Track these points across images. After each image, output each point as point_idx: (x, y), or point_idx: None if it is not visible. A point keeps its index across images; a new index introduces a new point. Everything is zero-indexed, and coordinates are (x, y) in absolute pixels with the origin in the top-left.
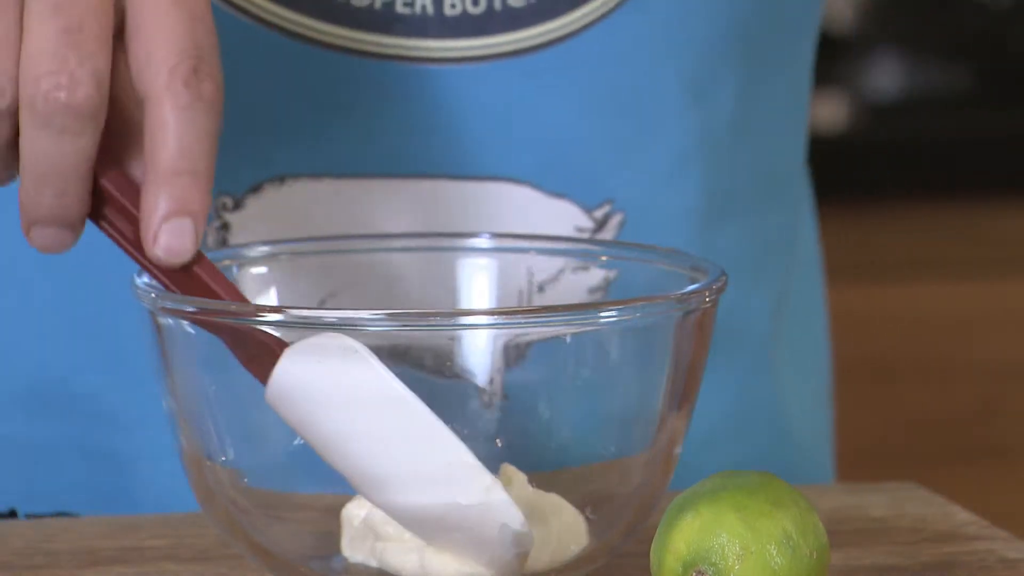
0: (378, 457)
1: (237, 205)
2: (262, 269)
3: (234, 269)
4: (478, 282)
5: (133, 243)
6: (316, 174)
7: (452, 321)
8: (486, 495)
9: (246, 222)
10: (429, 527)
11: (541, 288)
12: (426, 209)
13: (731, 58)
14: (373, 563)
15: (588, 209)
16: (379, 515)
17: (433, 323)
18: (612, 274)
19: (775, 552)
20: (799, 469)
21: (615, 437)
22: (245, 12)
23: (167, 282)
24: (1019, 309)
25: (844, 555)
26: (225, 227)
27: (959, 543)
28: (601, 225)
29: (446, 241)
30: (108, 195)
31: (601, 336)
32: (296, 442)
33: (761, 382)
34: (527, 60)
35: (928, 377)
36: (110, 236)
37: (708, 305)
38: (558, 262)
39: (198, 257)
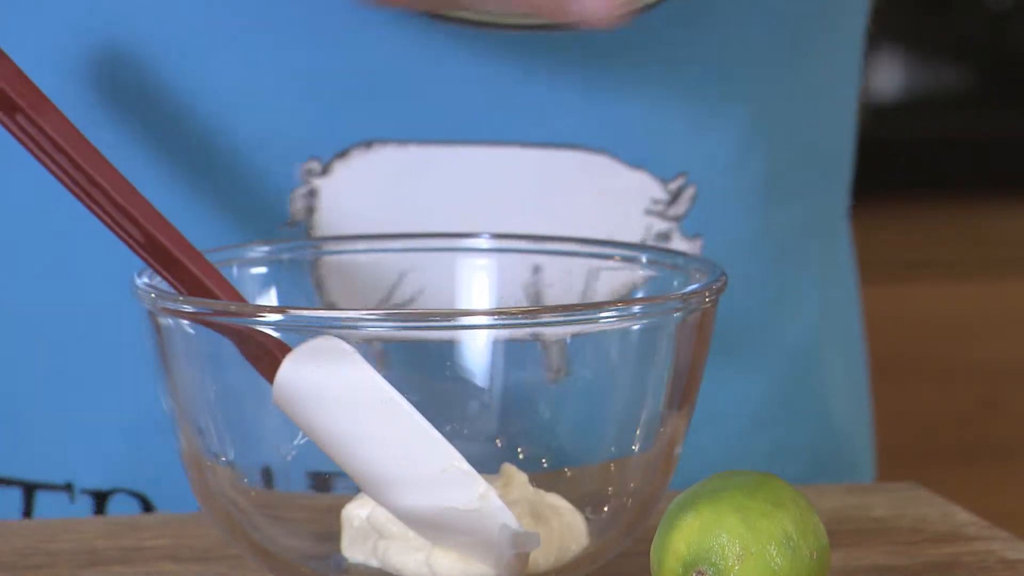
0: (377, 459)
1: (325, 170)
2: (262, 269)
3: (234, 269)
4: (478, 282)
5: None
6: (402, 140)
7: (452, 321)
8: (480, 502)
9: (334, 187)
10: (430, 528)
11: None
12: (506, 176)
13: (803, 35)
14: (373, 563)
15: (664, 181)
16: (383, 514)
17: (433, 323)
18: (695, 248)
19: (775, 552)
20: (840, 458)
21: (615, 437)
22: None
23: (171, 279)
24: (1019, 309)
25: (844, 555)
26: (313, 193)
27: (959, 543)
28: (675, 198)
29: (446, 241)
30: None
31: (601, 336)
32: (296, 442)
33: (809, 364)
34: (608, 33)
35: (928, 377)
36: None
37: (708, 305)
38: (565, 262)
39: (198, 257)
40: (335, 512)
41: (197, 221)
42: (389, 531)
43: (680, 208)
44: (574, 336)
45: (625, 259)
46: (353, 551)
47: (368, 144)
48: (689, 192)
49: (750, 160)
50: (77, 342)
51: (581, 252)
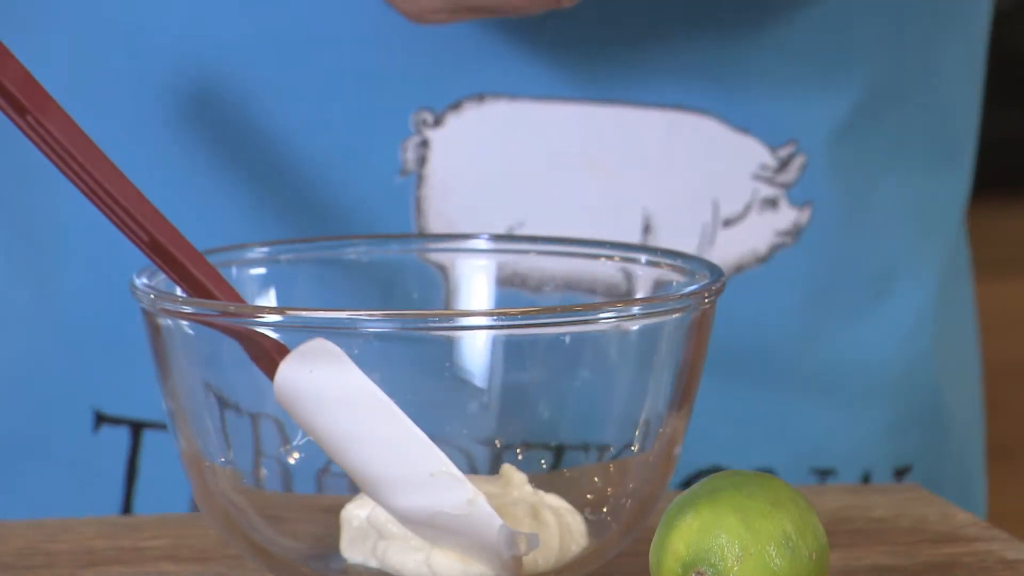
0: (370, 461)
1: (438, 122)
2: (261, 270)
3: (233, 270)
4: (478, 282)
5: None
6: (514, 95)
7: (452, 321)
8: (469, 507)
9: (445, 138)
10: (426, 528)
11: (727, 222)
12: (613, 135)
13: (917, 12)
14: (373, 563)
15: (772, 147)
16: (382, 514)
17: (432, 324)
18: (804, 217)
19: (774, 553)
20: (949, 445)
21: (614, 437)
22: None
23: (175, 277)
24: (1019, 309)
25: (844, 556)
26: (425, 144)
27: (959, 544)
28: (784, 165)
29: (446, 242)
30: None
31: (600, 336)
32: (295, 442)
33: (923, 338)
34: None
35: None
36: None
37: (707, 306)
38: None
39: (198, 258)
40: (334, 512)
41: (315, 171)
42: (388, 531)
43: (789, 175)
44: (574, 336)
45: (624, 259)
46: (352, 551)
47: (481, 97)
48: (799, 161)
49: (863, 130)
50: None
51: (578, 252)
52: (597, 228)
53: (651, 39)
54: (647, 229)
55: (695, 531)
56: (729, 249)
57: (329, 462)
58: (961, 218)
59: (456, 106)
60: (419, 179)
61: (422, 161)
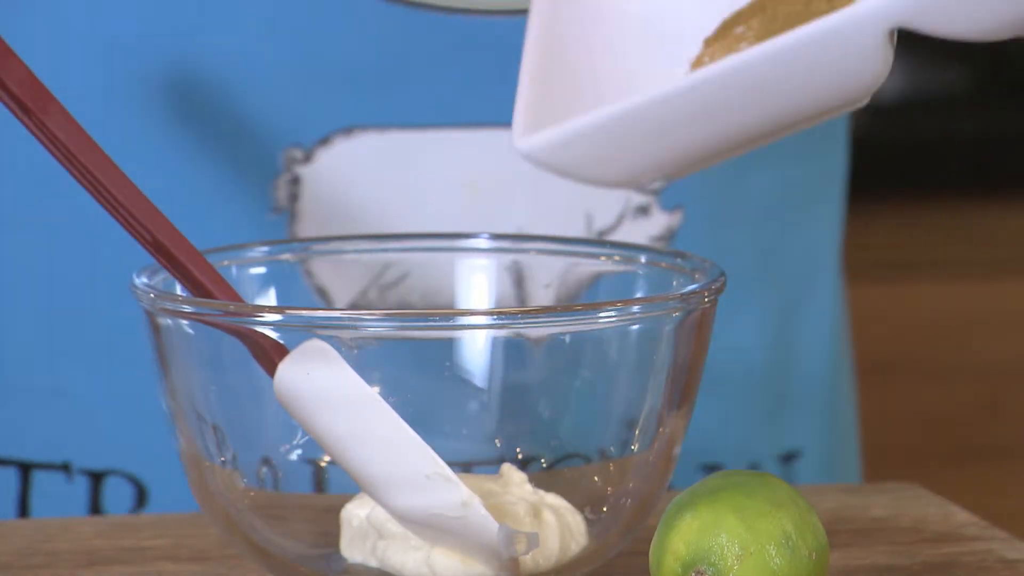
0: (368, 462)
1: (307, 158)
2: (261, 270)
3: (233, 270)
4: (478, 282)
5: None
6: (382, 126)
7: (452, 321)
8: (464, 510)
9: (316, 174)
10: (425, 528)
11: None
12: (486, 159)
13: None
14: (373, 563)
15: None
16: (382, 514)
17: (433, 324)
18: (676, 220)
19: (774, 552)
20: (838, 425)
21: (614, 437)
22: None
23: (179, 278)
24: (1019, 309)
25: (844, 555)
26: (296, 181)
27: (959, 543)
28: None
29: (446, 242)
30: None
31: (600, 336)
32: (295, 442)
33: (796, 323)
34: None
35: (929, 377)
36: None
37: (707, 305)
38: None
39: (198, 258)
40: (334, 512)
41: (185, 211)
42: (388, 531)
43: (657, 182)
44: (574, 336)
45: (624, 259)
46: (352, 551)
47: (349, 131)
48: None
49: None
50: (75, 320)
51: (578, 252)
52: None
53: (515, 62)
54: (522, 268)
55: (695, 531)
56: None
57: (329, 461)
58: (839, 203)
59: (325, 141)
60: (292, 216)
61: (294, 198)
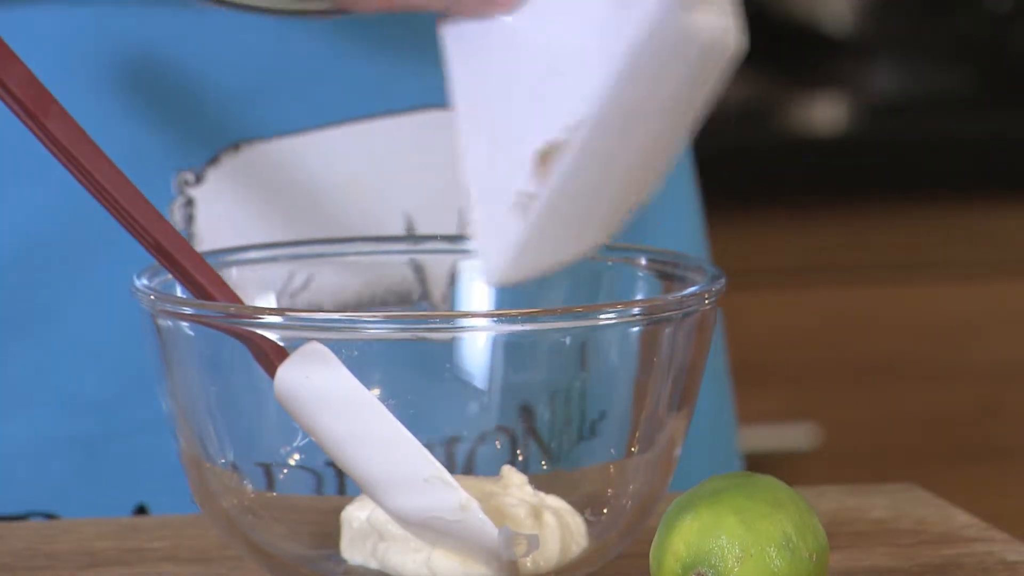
0: (367, 464)
1: (199, 179)
2: (262, 271)
3: (233, 271)
4: (478, 283)
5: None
6: (266, 136)
7: (452, 323)
8: (463, 513)
9: (210, 194)
10: (423, 530)
11: None
12: (375, 150)
13: None
14: (373, 564)
15: None
16: (383, 515)
17: (433, 325)
18: None
19: (774, 554)
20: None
21: (615, 438)
22: None
23: (179, 278)
24: (1019, 310)
25: (844, 557)
26: (190, 203)
27: (959, 545)
28: None
29: (447, 243)
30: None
31: (600, 337)
32: (295, 443)
33: None
34: None
35: (928, 378)
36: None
37: (707, 307)
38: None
39: (198, 260)
40: (334, 513)
41: (84, 239)
42: (389, 532)
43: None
44: (574, 337)
45: (625, 260)
46: (352, 552)
47: (236, 146)
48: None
49: None
50: None
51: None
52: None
53: (387, 51)
54: (409, 231)
55: (695, 532)
56: None
57: (329, 463)
58: (694, 199)
59: (214, 161)
60: (190, 238)
61: (190, 220)
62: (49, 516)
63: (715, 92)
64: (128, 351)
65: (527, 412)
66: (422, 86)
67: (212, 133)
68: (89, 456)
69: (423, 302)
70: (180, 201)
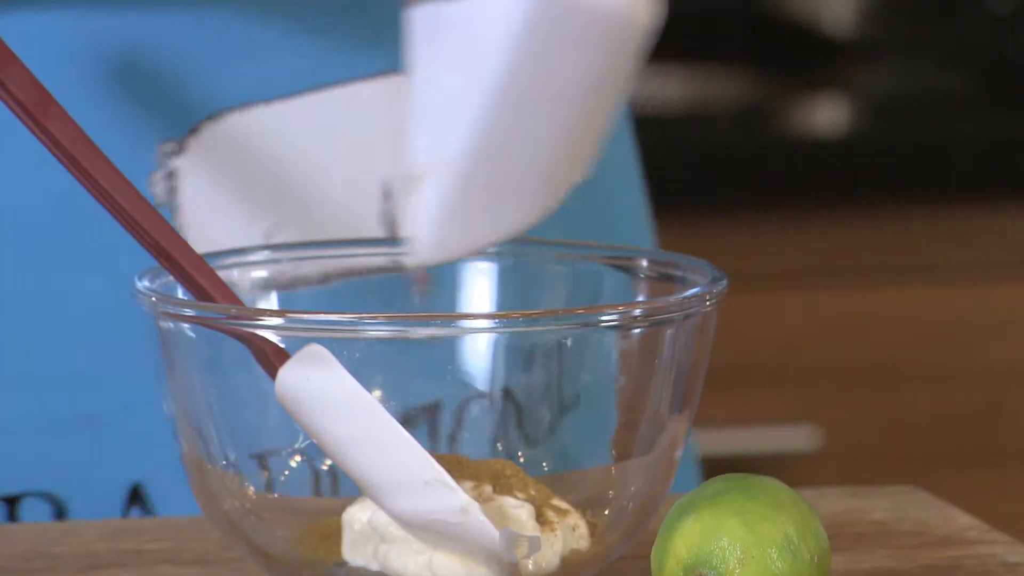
0: (368, 466)
1: (181, 149)
2: (263, 273)
3: (235, 273)
4: (479, 285)
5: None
6: (245, 104)
7: (453, 324)
8: (463, 515)
9: (193, 164)
10: (424, 532)
11: None
12: (345, 115)
13: None
14: (374, 566)
15: None
16: (384, 517)
17: (434, 326)
18: None
19: (776, 556)
20: None
21: (616, 440)
22: None
23: (180, 280)
24: (1020, 312)
25: (845, 559)
26: (173, 174)
27: (960, 547)
28: None
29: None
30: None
31: (602, 339)
32: (297, 444)
33: None
34: None
35: (929, 380)
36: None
37: (708, 308)
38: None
39: (198, 261)
40: (336, 515)
41: (64, 212)
42: (390, 534)
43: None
44: (575, 339)
45: (625, 261)
46: (354, 554)
47: (216, 116)
48: None
49: None
50: None
51: (581, 255)
52: (343, 207)
53: (354, 16)
54: (387, 196)
55: (696, 534)
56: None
57: (330, 465)
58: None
59: (195, 130)
60: (173, 210)
61: (173, 191)
62: (46, 495)
63: (636, 68)
64: (123, 329)
65: (529, 414)
66: (392, 50)
67: (192, 103)
68: (86, 434)
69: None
70: (162, 172)
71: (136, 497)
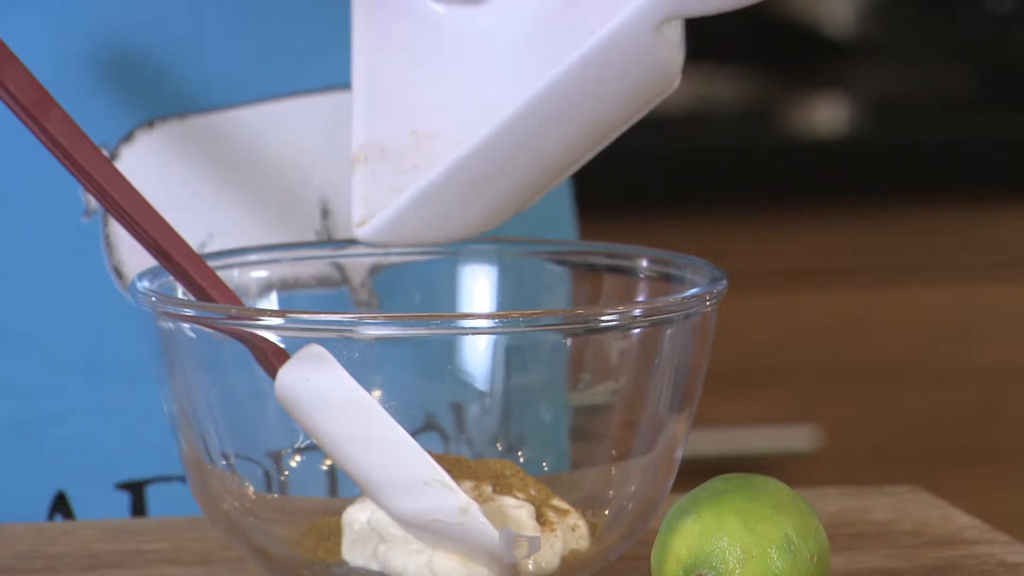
0: (367, 467)
1: (113, 156)
2: (263, 273)
3: (235, 273)
4: (479, 286)
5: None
6: (182, 113)
7: (453, 324)
8: (462, 516)
9: (123, 172)
10: (424, 532)
11: None
12: (289, 129)
13: None
14: (374, 566)
15: None
16: (384, 517)
17: (434, 326)
18: None
19: (776, 556)
20: None
21: (616, 440)
22: None
23: (181, 280)
24: (1020, 312)
25: (845, 559)
26: None
27: (960, 547)
28: None
29: (447, 245)
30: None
31: (602, 339)
32: (296, 445)
33: None
34: None
35: (929, 380)
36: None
37: (708, 309)
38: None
39: (198, 261)
40: (336, 515)
41: (7, 225)
42: (390, 534)
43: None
44: (575, 339)
45: (626, 261)
46: (354, 554)
47: (150, 124)
48: None
49: None
50: None
51: (581, 256)
52: (281, 223)
53: (299, 29)
54: (325, 214)
55: (696, 534)
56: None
57: (330, 464)
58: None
59: (128, 138)
60: (105, 217)
61: None
62: None
63: (633, 121)
64: (49, 339)
65: (529, 414)
66: (335, 66)
67: (126, 110)
68: (11, 443)
69: (343, 286)
70: None
71: (60, 506)
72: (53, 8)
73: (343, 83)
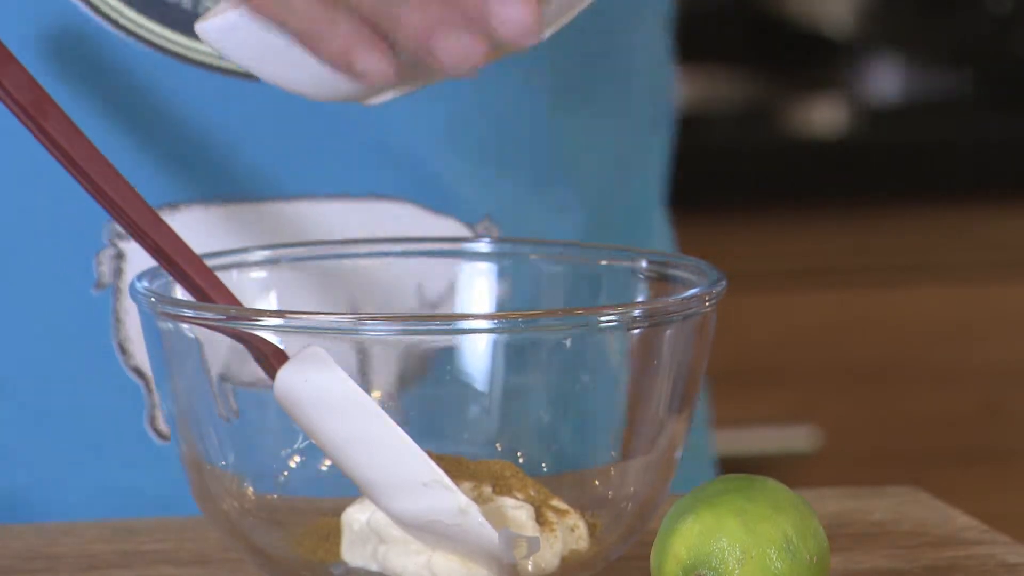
0: (367, 468)
1: None
2: (262, 274)
3: (234, 274)
4: (478, 286)
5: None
6: (207, 200)
7: (452, 325)
8: (462, 517)
9: (141, 250)
10: (423, 533)
11: None
12: (313, 230)
13: (584, 81)
14: (374, 567)
15: (471, 224)
16: (383, 518)
17: (433, 327)
18: None
19: (775, 556)
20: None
21: (615, 441)
22: (123, 29)
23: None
24: (1020, 312)
25: (844, 559)
26: (120, 255)
27: (959, 547)
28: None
29: (446, 245)
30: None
31: (601, 340)
32: (296, 445)
33: None
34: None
35: (929, 380)
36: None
37: (708, 309)
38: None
39: (198, 262)
40: (335, 516)
41: (4, 283)
42: (389, 535)
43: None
44: (574, 339)
45: (626, 262)
46: (353, 555)
47: (174, 206)
48: (494, 233)
49: (551, 194)
50: None
51: (582, 256)
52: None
53: (332, 133)
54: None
55: (696, 535)
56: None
57: (330, 465)
58: (666, 139)
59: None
60: (116, 292)
61: (118, 273)
62: None
63: None
64: (40, 402)
65: (528, 415)
66: (368, 175)
67: (152, 188)
68: None
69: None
70: (110, 252)
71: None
72: (85, 90)
73: (376, 193)
